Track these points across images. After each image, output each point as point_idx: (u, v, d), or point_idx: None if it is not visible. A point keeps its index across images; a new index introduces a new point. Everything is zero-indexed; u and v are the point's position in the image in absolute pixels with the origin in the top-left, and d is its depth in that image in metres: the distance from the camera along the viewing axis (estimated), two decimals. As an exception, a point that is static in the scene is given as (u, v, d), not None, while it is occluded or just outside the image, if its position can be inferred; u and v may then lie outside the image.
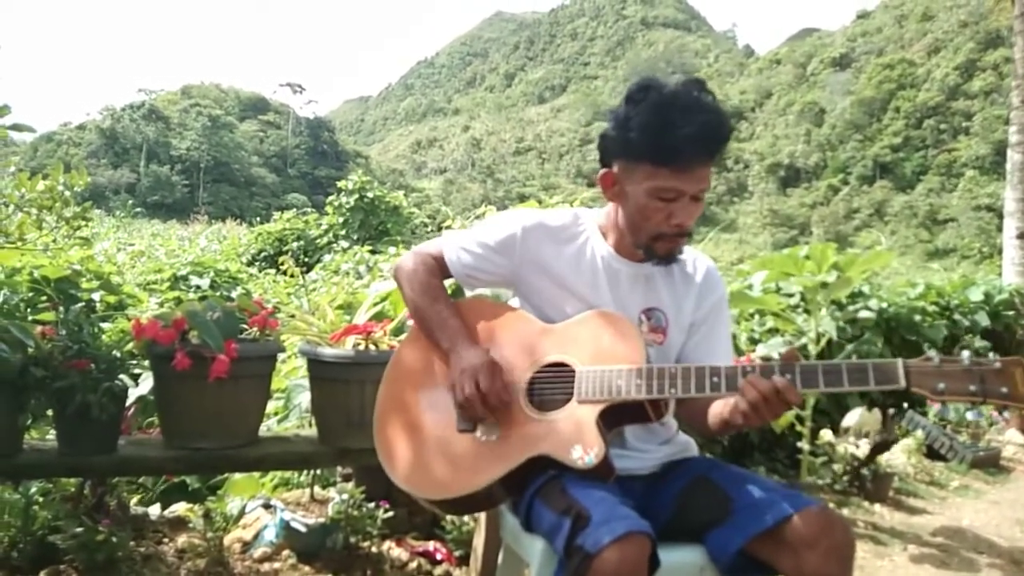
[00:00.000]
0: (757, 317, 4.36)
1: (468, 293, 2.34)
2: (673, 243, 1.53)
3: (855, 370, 1.29)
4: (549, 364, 1.52)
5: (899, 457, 4.20)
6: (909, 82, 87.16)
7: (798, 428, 3.46)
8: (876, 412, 4.52)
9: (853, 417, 4.22)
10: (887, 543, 3.18)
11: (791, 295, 4.39)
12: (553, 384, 1.50)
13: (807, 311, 4.01)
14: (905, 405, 4.87)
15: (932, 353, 1.28)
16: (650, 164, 1.45)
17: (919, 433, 4.52)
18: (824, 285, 3.58)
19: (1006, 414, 5.12)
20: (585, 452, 1.37)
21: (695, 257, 1.68)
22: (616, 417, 1.45)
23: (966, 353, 1.26)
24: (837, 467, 3.72)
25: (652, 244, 1.52)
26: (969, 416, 4.74)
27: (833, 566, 1.30)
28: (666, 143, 1.41)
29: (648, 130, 1.42)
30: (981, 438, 4.74)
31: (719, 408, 1.50)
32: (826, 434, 3.90)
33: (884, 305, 4.81)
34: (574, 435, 1.40)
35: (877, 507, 3.63)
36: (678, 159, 1.43)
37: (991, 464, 4.53)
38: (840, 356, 4.03)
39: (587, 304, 1.56)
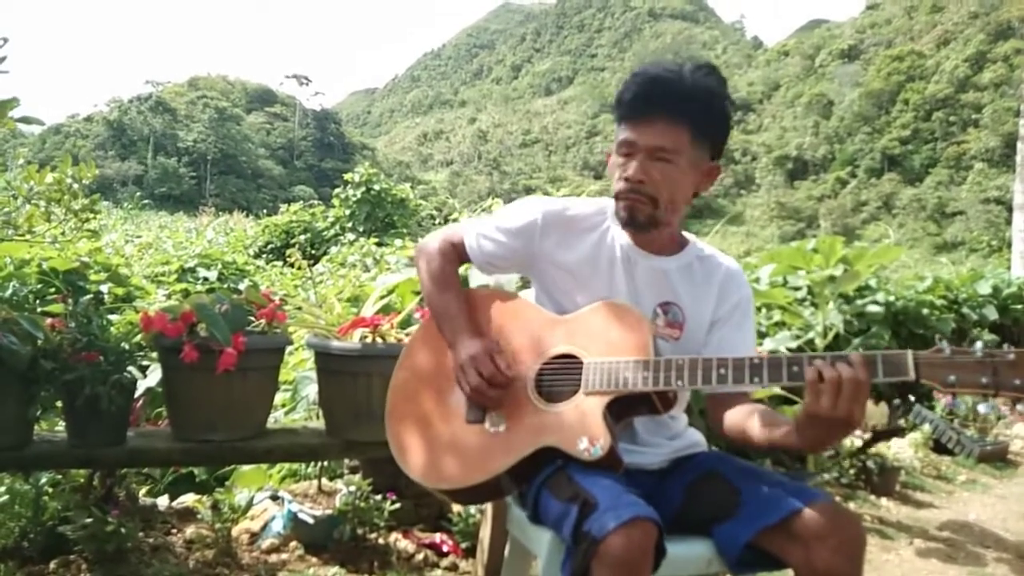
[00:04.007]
0: (764, 311, 4.35)
1: (479, 280, 2.35)
2: (627, 201, 1.51)
3: (865, 362, 1.25)
4: (557, 355, 1.52)
5: (906, 451, 4.19)
6: (918, 74, 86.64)
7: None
8: (883, 406, 4.51)
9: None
10: (893, 537, 3.17)
11: (798, 288, 4.38)
12: (561, 375, 1.50)
13: (814, 305, 4.00)
14: (912, 398, 4.87)
15: (943, 344, 1.23)
16: (617, 123, 1.52)
17: (926, 427, 4.51)
18: (832, 279, 3.57)
19: (1021, 407, 5.10)
20: (591, 444, 1.37)
21: (721, 258, 1.66)
22: (624, 409, 1.45)
23: (979, 344, 1.22)
24: (844, 461, 3.72)
25: (618, 208, 1.54)
26: (981, 409, 4.71)
27: (843, 561, 1.29)
28: (623, 96, 1.50)
29: (619, 89, 1.52)
30: (989, 432, 4.73)
31: (768, 425, 1.42)
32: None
33: (892, 299, 4.80)
34: (581, 427, 1.40)
35: (884, 501, 3.62)
36: (631, 110, 1.49)
37: (998, 458, 4.52)
38: (848, 350, 4.02)
39: (601, 295, 1.56)
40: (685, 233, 1.67)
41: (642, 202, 1.50)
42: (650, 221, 1.52)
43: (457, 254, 1.69)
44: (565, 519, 1.32)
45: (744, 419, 1.49)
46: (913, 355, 1.23)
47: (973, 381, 1.20)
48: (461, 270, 1.77)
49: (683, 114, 1.46)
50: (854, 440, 3.85)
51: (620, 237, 1.60)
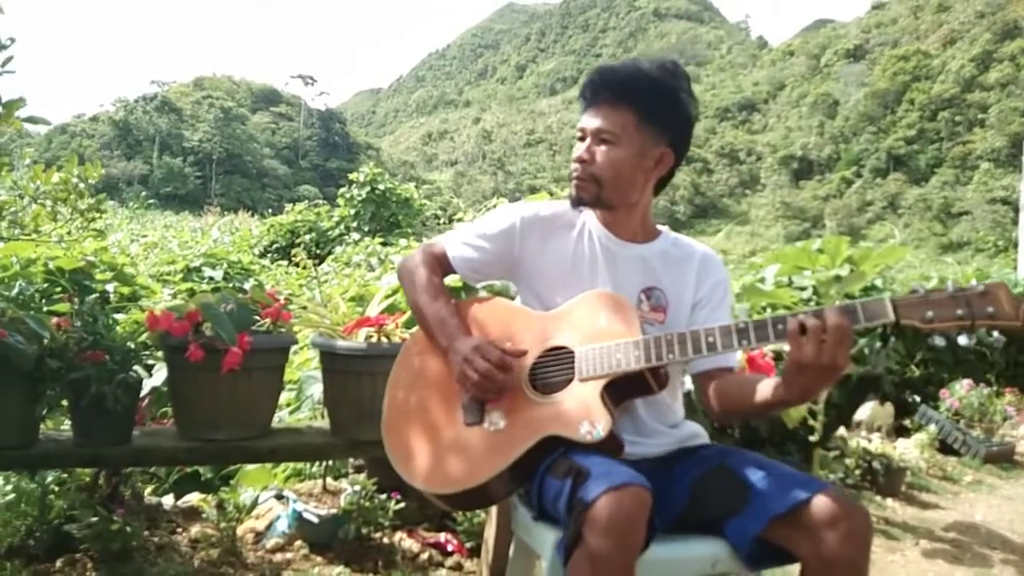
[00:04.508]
0: (769, 311, 4.34)
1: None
2: (573, 180, 1.61)
3: (846, 311, 1.30)
4: (549, 349, 1.54)
5: (912, 451, 4.18)
6: (924, 74, 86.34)
7: (810, 422, 3.45)
8: (888, 406, 4.50)
9: (865, 411, 4.20)
10: (899, 538, 3.17)
11: (804, 289, 4.36)
12: (554, 367, 1.51)
13: (820, 305, 3.98)
14: (917, 399, 4.85)
15: (917, 285, 1.32)
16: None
17: (932, 427, 4.50)
18: (837, 279, 3.56)
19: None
20: (592, 426, 1.39)
21: (696, 244, 1.73)
22: (619, 392, 1.47)
23: (950, 282, 1.33)
24: (849, 461, 3.71)
25: (570, 188, 1.63)
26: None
27: (851, 549, 1.29)
28: (580, 88, 1.64)
29: None
30: (995, 433, 4.71)
31: (757, 387, 1.47)
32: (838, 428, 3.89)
33: (898, 299, 4.77)
34: (580, 412, 1.42)
35: (889, 502, 3.61)
36: (583, 98, 1.62)
37: (1005, 459, 4.50)
38: (854, 350, 4.01)
39: (585, 288, 1.59)
40: (659, 226, 1.72)
41: (585, 181, 1.59)
42: (595, 200, 1.60)
43: (440, 265, 1.72)
44: (561, 493, 1.34)
45: (734, 388, 1.54)
46: (891, 298, 1.30)
47: (949, 315, 1.27)
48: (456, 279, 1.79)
49: (626, 99, 1.56)
50: (860, 441, 3.85)
51: (596, 229, 1.65)
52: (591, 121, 1.58)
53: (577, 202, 1.62)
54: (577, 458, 1.37)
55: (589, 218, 1.66)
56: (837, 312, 1.29)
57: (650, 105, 1.55)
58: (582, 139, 1.61)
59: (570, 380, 1.48)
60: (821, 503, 1.32)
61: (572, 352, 1.50)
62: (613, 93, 1.56)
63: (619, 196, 1.60)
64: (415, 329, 1.78)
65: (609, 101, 1.56)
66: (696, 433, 1.66)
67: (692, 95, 1.61)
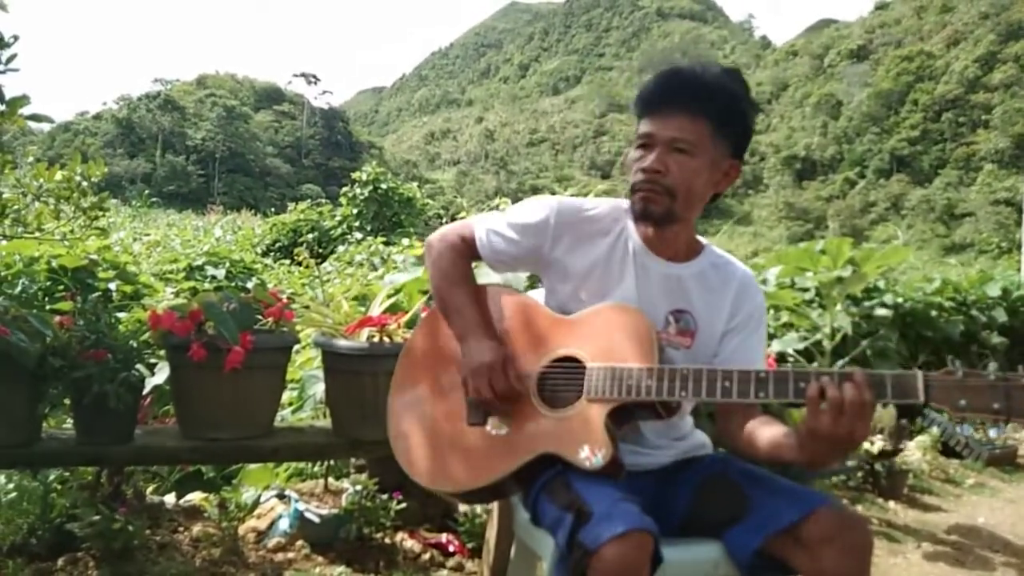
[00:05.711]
0: (772, 312, 4.33)
1: (487, 278, 2.34)
2: (644, 192, 1.48)
3: (872, 383, 1.22)
4: (560, 358, 1.50)
5: (914, 454, 4.17)
6: (928, 74, 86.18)
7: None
8: (891, 408, 4.48)
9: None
10: (901, 540, 3.16)
11: (806, 290, 4.36)
12: (563, 379, 1.48)
13: (822, 306, 3.99)
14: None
15: (955, 365, 1.20)
16: (638, 117, 1.52)
17: (934, 430, 4.49)
18: (840, 280, 3.56)
19: None
20: (592, 453, 1.35)
21: (735, 265, 1.64)
22: (627, 414, 1.44)
23: (993, 366, 1.18)
24: (851, 464, 3.70)
25: (633, 200, 1.51)
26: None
27: (850, 564, 1.28)
28: (644, 91, 1.51)
29: (641, 86, 1.53)
30: (997, 436, 4.70)
31: (772, 438, 1.42)
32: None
33: (900, 300, 4.78)
34: (582, 434, 1.39)
35: (891, 504, 3.61)
36: (650, 103, 1.50)
37: (1007, 462, 4.49)
38: (855, 352, 4.01)
39: (612, 299, 1.53)
40: (699, 238, 1.64)
41: (659, 193, 1.47)
42: (666, 215, 1.49)
43: (468, 248, 1.66)
44: (560, 526, 1.31)
45: (749, 431, 1.48)
46: (924, 376, 1.19)
47: (985, 406, 1.16)
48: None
49: (704, 109, 1.46)
50: (865, 446, 3.84)
51: (634, 242, 1.56)
52: (664, 129, 1.46)
53: (644, 215, 1.49)
54: (578, 487, 1.34)
55: (629, 228, 1.57)
56: (863, 384, 1.21)
57: (724, 115, 1.47)
58: (646, 147, 1.48)
59: (578, 396, 1.43)
60: (819, 518, 1.31)
61: (584, 367, 1.45)
62: (690, 100, 1.46)
63: (687, 210, 1.50)
64: (417, 325, 1.77)
65: (686, 109, 1.45)
66: (702, 443, 1.65)
67: (753, 104, 1.54)
